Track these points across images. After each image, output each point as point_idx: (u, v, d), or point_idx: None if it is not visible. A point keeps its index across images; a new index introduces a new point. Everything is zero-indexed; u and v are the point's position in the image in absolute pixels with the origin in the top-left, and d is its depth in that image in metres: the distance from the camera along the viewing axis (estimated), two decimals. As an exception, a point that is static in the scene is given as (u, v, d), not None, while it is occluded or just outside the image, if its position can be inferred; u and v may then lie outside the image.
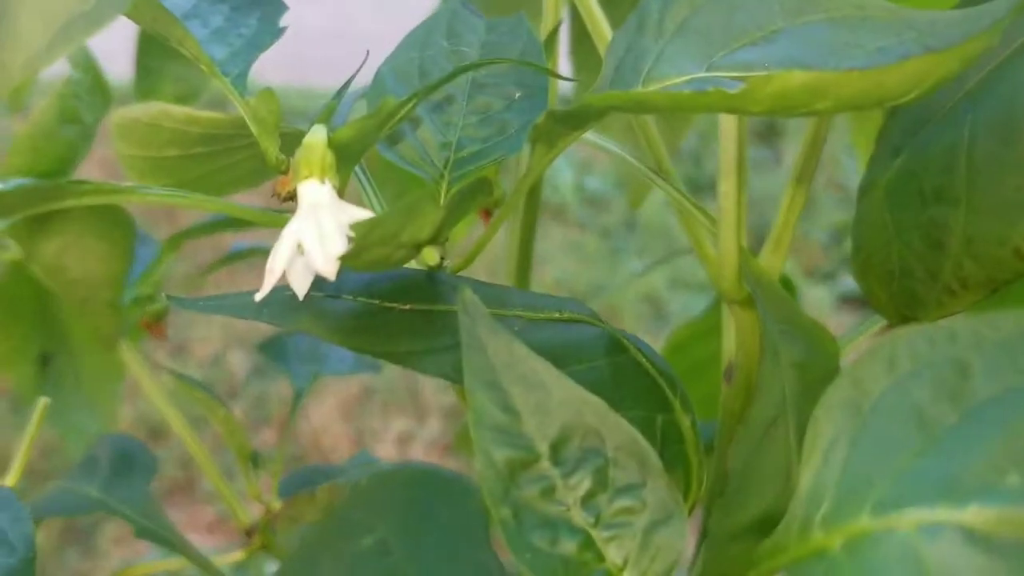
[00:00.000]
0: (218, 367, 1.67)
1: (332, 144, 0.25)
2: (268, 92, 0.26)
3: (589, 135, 0.42)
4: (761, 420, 0.39)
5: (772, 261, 0.38)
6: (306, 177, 0.24)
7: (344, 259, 0.23)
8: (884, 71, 0.22)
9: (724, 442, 0.40)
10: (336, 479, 0.55)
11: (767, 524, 0.24)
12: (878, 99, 0.23)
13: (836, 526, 0.18)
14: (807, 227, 1.84)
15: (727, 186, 0.38)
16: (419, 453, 1.55)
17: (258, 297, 0.24)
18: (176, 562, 0.56)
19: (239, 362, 1.70)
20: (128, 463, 0.58)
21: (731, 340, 0.40)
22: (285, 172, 0.26)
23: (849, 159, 1.80)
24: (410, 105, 0.25)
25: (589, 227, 1.97)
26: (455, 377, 0.24)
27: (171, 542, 0.52)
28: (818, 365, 0.38)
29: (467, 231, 0.51)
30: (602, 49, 0.36)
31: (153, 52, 0.65)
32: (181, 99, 0.65)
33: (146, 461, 0.58)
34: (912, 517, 0.17)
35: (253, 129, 0.27)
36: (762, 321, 0.39)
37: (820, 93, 0.22)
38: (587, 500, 0.22)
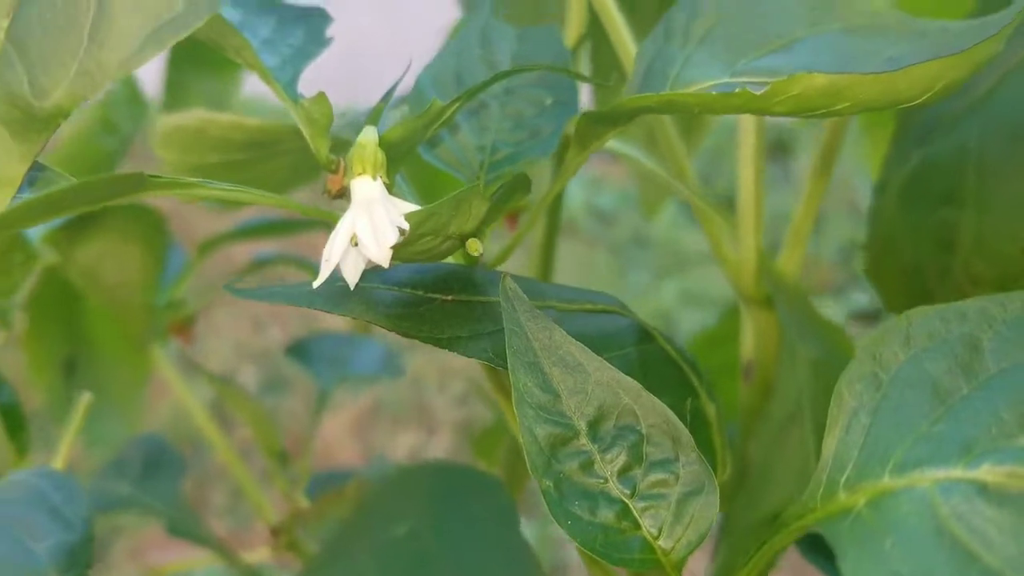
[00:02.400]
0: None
1: (382, 143, 0.27)
2: (321, 95, 0.28)
3: (612, 142, 0.44)
4: (779, 416, 0.40)
5: (790, 259, 0.40)
6: (359, 174, 0.26)
7: (396, 249, 0.24)
8: (898, 75, 0.24)
9: (743, 438, 0.42)
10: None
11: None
12: (893, 101, 0.24)
13: (860, 486, 0.20)
14: (817, 244, 1.85)
15: (746, 189, 0.39)
16: (430, 467, 1.55)
17: (315, 285, 0.25)
18: (204, 559, 0.58)
19: (250, 378, 1.71)
20: (158, 463, 0.59)
21: (749, 340, 0.42)
22: (335, 171, 0.28)
23: (859, 179, 1.82)
24: (454, 108, 0.27)
25: (599, 243, 1.98)
26: (496, 360, 0.26)
27: (202, 538, 0.53)
28: (834, 363, 0.40)
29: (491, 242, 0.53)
30: (625, 60, 0.38)
31: (183, 68, 0.67)
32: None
33: (175, 461, 0.60)
34: (929, 475, 0.19)
35: (305, 131, 0.28)
36: (780, 321, 0.40)
37: (838, 95, 0.24)
38: (623, 473, 0.24)
